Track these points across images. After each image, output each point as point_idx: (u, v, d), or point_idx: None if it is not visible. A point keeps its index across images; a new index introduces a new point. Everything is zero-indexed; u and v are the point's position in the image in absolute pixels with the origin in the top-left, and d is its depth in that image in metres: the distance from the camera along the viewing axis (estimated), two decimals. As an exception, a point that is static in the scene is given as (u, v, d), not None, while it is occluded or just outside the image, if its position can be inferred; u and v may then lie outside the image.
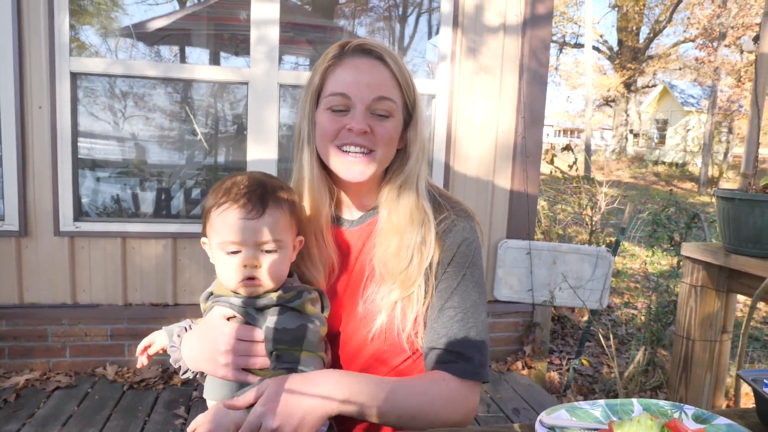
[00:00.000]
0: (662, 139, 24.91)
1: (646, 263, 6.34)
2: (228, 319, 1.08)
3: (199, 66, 3.52)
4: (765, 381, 1.01)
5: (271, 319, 1.04)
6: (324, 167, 1.18)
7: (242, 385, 1.05)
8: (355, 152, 1.11)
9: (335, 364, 1.22)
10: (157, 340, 1.19)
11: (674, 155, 22.32)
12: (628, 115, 26.16)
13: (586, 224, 5.72)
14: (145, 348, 1.19)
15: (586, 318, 4.50)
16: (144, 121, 3.72)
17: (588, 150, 16.95)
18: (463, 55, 3.56)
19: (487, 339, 1.17)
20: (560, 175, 5.91)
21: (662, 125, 25.33)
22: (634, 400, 1.03)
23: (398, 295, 1.14)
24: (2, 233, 3.25)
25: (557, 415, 0.97)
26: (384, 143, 1.13)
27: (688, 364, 2.28)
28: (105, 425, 2.78)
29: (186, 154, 3.87)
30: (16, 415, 2.85)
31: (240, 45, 3.90)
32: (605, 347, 3.51)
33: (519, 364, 3.76)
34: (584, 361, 3.91)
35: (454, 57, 3.55)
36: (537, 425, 0.90)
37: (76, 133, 3.33)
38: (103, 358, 3.39)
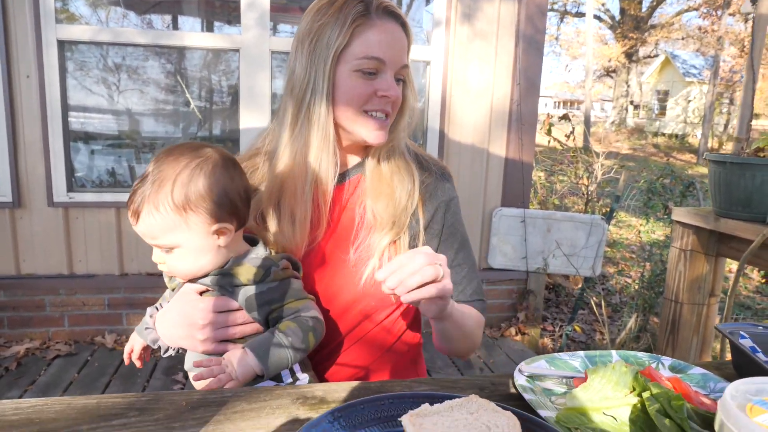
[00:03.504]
0: (663, 111, 24.71)
1: (640, 232, 6.36)
2: (201, 294, 1.07)
3: (189, 33, 3.48)
4: (741, 333, 1.03)
5: (249, 288, 1.03)
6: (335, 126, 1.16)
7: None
8: (380, 117, 1.13)
9: (326, 316, 1.23)
10: (135, 342, 1.16)
11: (674, 127, 22.17)
12: (628, 86, 25.93)
13: (583, 194, 5.72)
14: (129, 355, 1.17)
15: (580, 286, 4.53)
16: (135, 91, 3.69)
17: (587, 121, 16.84)
18: (458, 21, 3.52)
19: None
20: (558, 146, 5.89)
21: (663, 96, 25.11)
22: (613, 352, 1.05)
23: (390, 239, 1.18)
24: (-4, 204, 3.26)
25: (537, 365, 0.98)
26: (398, 108, 1.18)
27: (676, 327, 2.31)
28: (105, 391, 2.82)
29: (179, 125, 3.85)
30: (18, 382, 2.90)
31: (232, 13, 3.84)
32: (597, 314, 3.55)
33: (512, 330, 3.80)
34: (577, 328, 3.96)
35: (449, 23, 3.51)
36: (516, 373, 0.92)
37: (66, 103, 3.31)
38: (101, 327, 3.42)
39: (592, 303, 3.65)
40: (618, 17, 25.91)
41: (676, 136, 20.85)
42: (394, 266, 0.91)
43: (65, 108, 3.31)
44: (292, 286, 1.06)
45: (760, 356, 0.96)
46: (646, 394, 0.81)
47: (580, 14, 25.93)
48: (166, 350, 1.12)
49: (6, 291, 3.31)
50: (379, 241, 1.18)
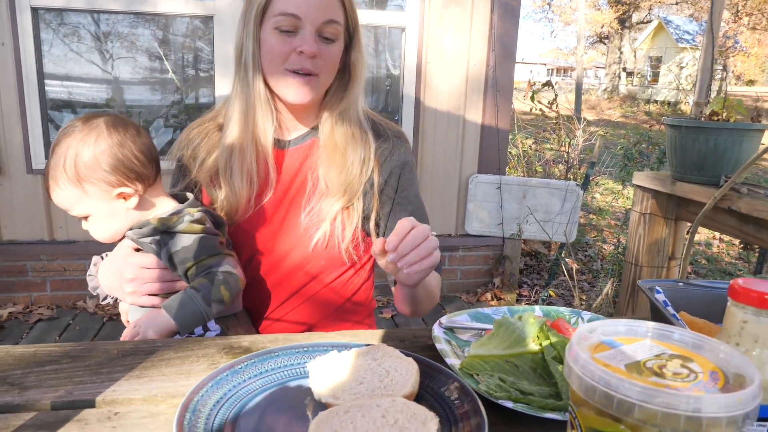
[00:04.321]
0: (655, 77, 24.58)
1: (617, 199, 6.41)
2: (136, 250, 1.14)
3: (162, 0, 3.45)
4: (657, 288, 1.09)
5: (169, 247, 1.09)
6: (268, 88, 1.20)
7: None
8: (302, 75, 1.14)
9: (270, 283, 1.29)
10: (122, 310, 1.23)
11: (667, 94, 22.06)
12: (621, 53, 25.69)
13: (565, 161, 5.76)
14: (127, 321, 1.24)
15: (556, 252, 4.60)
16: (113, 59, 3.67)
17: (579, 88, 16.74)
18: (433, -14, 3.50)
19: None
20: (539, 113, 5.90)
21: (656, 63, 24.94)
22: (537, 307, 1.11)
23: (342, 204, 1.22)
24: (-25, 171, 3.28)
25: (458, 318, 1.04)
26: (328, 67, 1.18)
27: (636, 289, 2.38)
28: (84, 354, 2.90)
29: (156, 92, 3.84)
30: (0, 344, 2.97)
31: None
32: (568, 278, 3.62)
33: (488, 295, 3.88)
34: (551, 293, 4.04)
35: (424, -12, 3.49)
36: (435, 326, 0.97)
37: (41, 71, 3.30)
38: (83, 292, 3.48)
39: (564, 269, 3.72)
40: (612, -18, 25.50)
41: (669, 103, 20.78)
42: (399, 235, 0.89)
43: (41, 76, 3.30)
44: (205, 243, 1.10)
45: (669, 310, 1.02)
46: (545, 343, 0.87)
47: (574, -21, 25.50)
48: (105, 298, 1.19)
49: (-13, 257, 3.36)
50: (330, 206, 1.22)
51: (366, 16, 3.71)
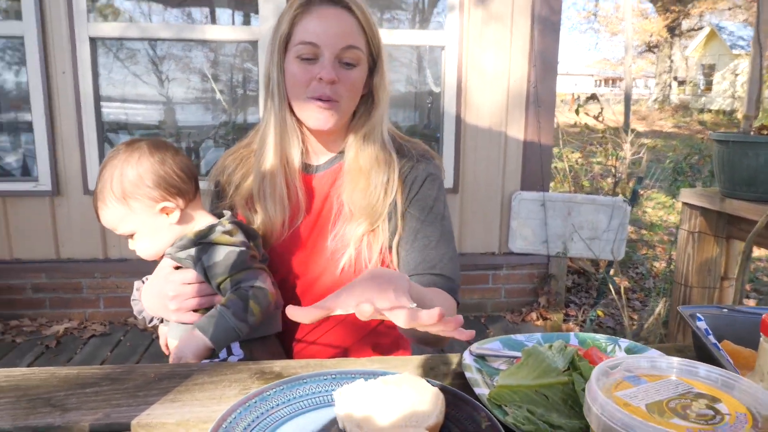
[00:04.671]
0: (708, 86, 23.70)
1: (668, 212, 6.19)
2: (176, 269, 1.18)
3: (210, 26, 3.59)
4: (699, 315, 1.05)
5: (203, 261, 1.14)
6: (294, 115, 1.24)
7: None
8: (323, 101, 1.17)
9: (304, 300, 1.31)
10: (161, 335, 1.28)
11: (722, 102, 21.23)
12: (672, 62, 24.95)
13: (613, 175, 5.62)
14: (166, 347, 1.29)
15: (603, 270, 4.48)
16: (164, 82, 3.83)
17: (628, 99, 16.31)
18: (472, 5, 3.51)
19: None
20: (585, 128, 5.78)
21: (709, 71, 24.07)
22: (572, 334, 1.09)
23: (365, 228, 1.23)
24: (37, 193, 3.46)
25: (490, 345, 1.03)
26: (350, 93, 1.20)
27: (685, 310, 2.30)
28: (134, 369, 3.00)
29: (205, 114, 3.97)
30: (56, 359, 3.10)
31: (250, 3, 3.92)
32: (616, 298, 3.52)
33: (534, 315, 3.81)
34: (600, 312, 3.94)
35: (463, 6, 3.50)
36: (465, 353, 0.97)
37: (98, 96, 3.47)
38: (129, 309, 3.60)
39: (611, 288, 3.62)
40: (659, -11, 24.83)
41: (724, 111, 20.00)
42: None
43: (98, 100, 3.47)
44: (236, 258, 1.14)
45: (711, 339, 0.98)
46: (576, 374, 0.85)
47: (621, -12, 24.99)
48: (151, 320, 1.23)
49: (47, 274, 3.53)
50: (353, 230, 1.23)
51: (406, 36, 3.74)
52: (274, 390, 0.82)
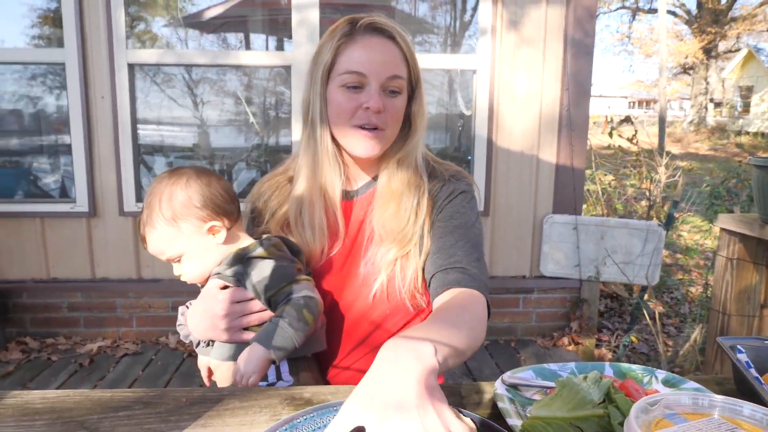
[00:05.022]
0: (746, 108, 23.19)
1: (704, 237, 6.02)
2: (223, 288, 1.19)
3: (244, 52, 3.68)
4: (739, 347, 1.01)
5: (252, 276, 1.15)
6: (335, 142, 1.25)
7: (244, 344, 1.16)
8: (369, 130, 1.18)
9: (338, 332, 1.31)
10: (201, 366, 1.28)
11: (760, 124, 20.73)
12: (708, 83, 24.50)
13: (648, 198, 5.50)
14: (208, 378, 1.29)
15: (637, 295, 4.37)
16: (199, 106, 3.93)
17: (662, 121, 16.05)
18: (504, 28, 3.52)
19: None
20: (623, 149, 5.69)
21: (746, 92, 23.57)
22: (607, 364, 1.06)
23: (395, 253, 1.22)
24: (75, 214, 3.56)
25: (522, 375, 1.01)
26: (394, 121, 1.21)
27: (724, 338, 2.22)
28: (166, 386, 3.02)
29: (239, 137, 4.05)
30: (89, 377, 3.15)
31: (284, 29, 4.02)
32: (651, 324, 3.42)
33: (565, 340, 3.73)
34: (633, 338, 3.83)
35: (495, 30, 3.51)
36: (497, 382, 0.95)
37: (135, 120, 3.57)
38: (165, 328, 3.66)
39: (645, 313, 3.53)
40: (695, 11, 24.54)
41: (762, 134, 19.51)
42: None
43: (134, 125, 3.57)
44: (283, 271, 1.16)
45: (752, 372, 0.94)
46: (612, 407, 0.83)
47: (653, 11, 24.80)
48: (198, 344, 1.24)
49: (83, 293, 3.61)
50: (384, 255, 1.24)
51: (438, 60, 3.77)
52: (304, 417, 0.82)
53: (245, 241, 1.24)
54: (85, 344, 3.53)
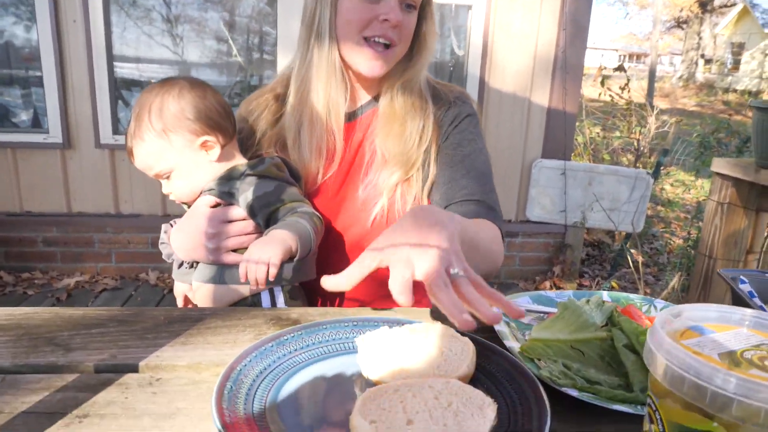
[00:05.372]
0: (736, 65, 23.06)
1: (688, 189, 6.05)
2: (214, 207, 1.12)
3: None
4: (742, 278, 0.98)
5: (248, 193, 1.08)
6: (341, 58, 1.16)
7: (230, 267, 1.10)
8: (381, 44, 1.10)
9: (334, 253, 1.25)
10: (178, 293, 1.22)
11: (748, 83, 20.69)
12: (700, 38, 24.24)
13: (635, 149, 5.48)
14: (184, 303, 1.23)
15: (620, 242, 4.40)
16: (178, 43, 3.74)
17: (652, 75, 15.93)
18: (501, -38, 3.37)
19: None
20: (612, 99, 5.62)
21: (738, 49, 23.41)
22: (605, 293, 1.02)
23: (399, 177, 1.17)
24: (48, 145, 3.42)
25: (520, 300, 0.97)
26: (407, 38, 1.14)
27: (708, 282, 2.23)
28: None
29: (221, 71, 3.89)
30: (67, 311, 3.10)
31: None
32: (633, 270, 3.45)
33: (547, 283, 3.76)
34: (614, 284, 3.87)
35: (491, -36, 3.36)
36: (494, 308, 0.91)
37: (110, 48, 3.39)
38: (145, 265, 3.59)
39: (629, 260, 3.55)
40: (694, -38, 23.97)
41: (750, 92, 19.50)
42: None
43: (110, 52, 3.40)
44: (287, 189, 1.10)
45: (756, 301, 0.91)
46: (615, 330, 0.79)
47: (651, -40, 24.17)
48: (180, 264, 1.17)
49: (58, 227, 3.51)
50: (387, 178, 1.17)
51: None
52: (291, 335, 0.77)
53: (240, 160, 1.16)
54: (62, 279, 3.46)
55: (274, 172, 1.10)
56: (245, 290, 1.10)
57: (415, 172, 1.18)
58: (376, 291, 1.28)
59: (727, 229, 2.17)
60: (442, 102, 1.22)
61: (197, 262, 1.15)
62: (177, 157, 1.10)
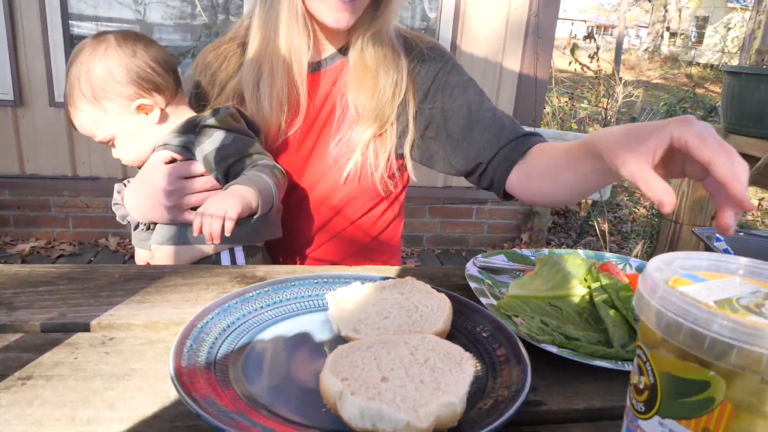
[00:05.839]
0: (700, 39, 23.38)
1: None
2: (170, 163, 1.05)
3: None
4: (717, 236, 0.97)
5: (205, 146, 1.01)
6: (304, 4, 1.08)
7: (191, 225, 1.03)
8: None
9: (299, 211, 1.20)
10: (138, 257, 1.15)
11: (710, 56, 21.02)
12: (666, 11, 24.46)
13: (603, 118, 5.51)
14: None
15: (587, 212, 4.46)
16: (139, 4, 3.55)
17: (619, 47, 16.02)
18: None
19: None
20: (581, 70, 5.63)
21: (702, 23, 23.71)
22: (581, 251, 1.00)
23: (372, 132, 1.12)
24: (-2, 103, 3.24)
25: (494, 258, 0.94)
26: None
27: (674, 247, 2.26)
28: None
29: (185, 32, 3.72)
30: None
31: None
32: (600, 238, 3.49)
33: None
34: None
35: None
36: (468, 264, 0.88)
37: (65, 4, 3.20)
38: (105, 230, 3.47)
39: (597, 228, 3.59)
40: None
41: (712, 66, 19.83)
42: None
43: (65, 9, 3.20)
44: (246, 141, 1.04)
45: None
46: (594, 285, 0.77)
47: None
48: (136, 226, 1.10)
49: (11, 190, 3.35)
50: (360, 134, 1.12)
51: (401, -47, 3.50)
52: (257, 291, 0.72)
53: (189, 116, 1.09)
54: (16, 244, 3.32)
55: (230, 123, 1.02)
56: (209, 249, 1.04)
57: (390, 127, 1.13)
58: (344, 250, 1.25)
59: (694, 195, 2.19)
60: (415, 54, 1.15)
61: (155, 224, 1.08)
62: (115, 124, 1.03)
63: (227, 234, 0.86)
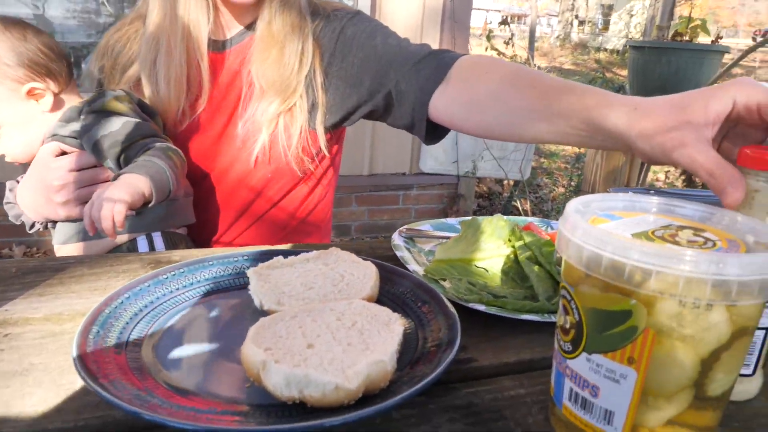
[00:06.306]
0: (606, 26, 24.61)
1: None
2: (60, 156, 0.98)
3: None
4: (631, 192, 1.01)
5: (92, 133, 0.94)
6: None
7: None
8: None
9: (213, 196, 1.15)
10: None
11: (616, 42, 22.17)
12: (575, 0, 25.56)
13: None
14: None
15: (509, 192, 4.59)
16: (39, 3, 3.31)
17: (532, 35, 16.57)
18: None
19: None
20: (497, 54, 5.76)
21: (607, 11, 24.93)
22: (504, 217, 1.01)
23: (278, 107, 1.05)
24: None
25: (421, 227, 0.93)
26: None
27: (593, 217, 2.35)
28: (15, 303, 2.69)
29: (89, 27, 3.50)
30: None
31: None
32: (523, 216, 3.60)
33: (444, 235, 3.83)
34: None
35: None
36: (395, 235, 0.87)
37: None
38: (9, 239, 3.22)
39: (519, 208, 3.70)
40: None
41: (617, 51, 20.91)
42: None
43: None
44: (136, 124, 0.96)
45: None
46: (518, 244, 0.78)
47: None
48: (32, 225, 1.02)
49: None
50: (265, 110, 1.06)
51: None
52: (172, 273, 0.68)
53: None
54: None
55: (116, 107, 0.96)
56: (123, 237, 0.98)
57: (298, 99, 1.07)
58: (270, 234, 1.21)
59: (607, 166, 2.28)
60: (321, 17, 1.10)
61: (53, 222, 1.01)
62: (3, 110, 0.96)
63: (120, 228, 0.80)
